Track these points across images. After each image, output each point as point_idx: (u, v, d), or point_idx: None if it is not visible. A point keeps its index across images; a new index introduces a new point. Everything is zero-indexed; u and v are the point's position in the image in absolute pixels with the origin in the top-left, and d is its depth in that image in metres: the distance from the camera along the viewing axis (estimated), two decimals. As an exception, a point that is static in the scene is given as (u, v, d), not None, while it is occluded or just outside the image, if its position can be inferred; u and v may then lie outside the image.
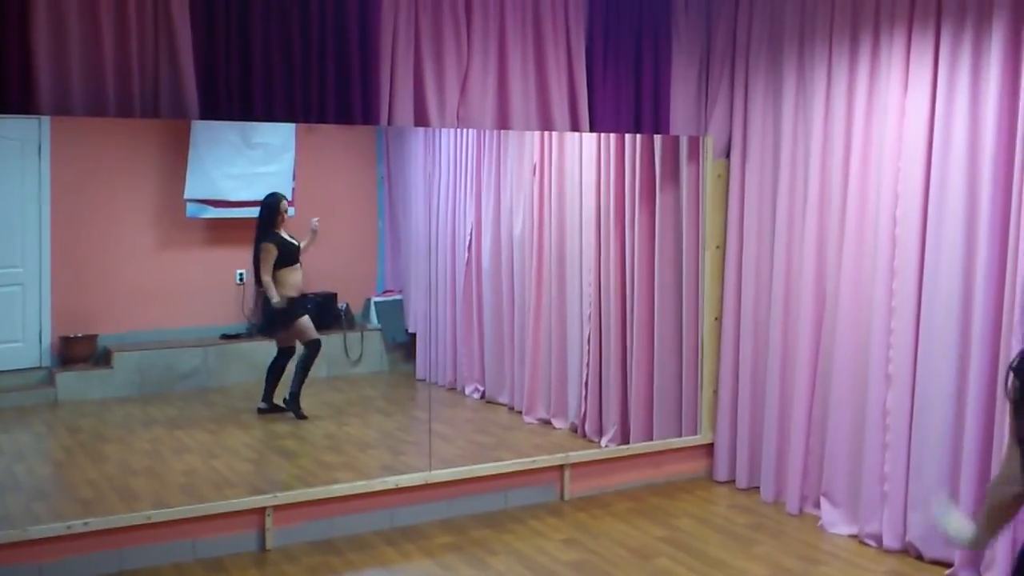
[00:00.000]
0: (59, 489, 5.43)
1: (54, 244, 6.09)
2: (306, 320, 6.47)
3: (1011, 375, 2.31)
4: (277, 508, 4.77)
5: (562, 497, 5.46)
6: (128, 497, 5.10)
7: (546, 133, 6.22)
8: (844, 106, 4.98)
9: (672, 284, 5.91)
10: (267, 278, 6.29)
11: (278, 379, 6.39)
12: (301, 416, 6.32)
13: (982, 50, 4.35)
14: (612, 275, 6.07)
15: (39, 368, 6.15)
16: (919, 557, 4.62)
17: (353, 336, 7.04)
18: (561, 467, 5.49)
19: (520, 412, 6.66)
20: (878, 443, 4.79)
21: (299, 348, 6.40)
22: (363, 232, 7.33)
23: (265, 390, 6.36)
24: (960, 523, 2.56)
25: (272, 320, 6.44)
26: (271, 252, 6.28)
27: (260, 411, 6.32)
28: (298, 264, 6.40)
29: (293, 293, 6.41)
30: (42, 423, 6.22)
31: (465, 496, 5.23)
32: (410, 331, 7.30)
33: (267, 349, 6.65)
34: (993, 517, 2.43)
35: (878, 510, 4.79)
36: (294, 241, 6.40)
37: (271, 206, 6.33)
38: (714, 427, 5.81)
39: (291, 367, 6.40)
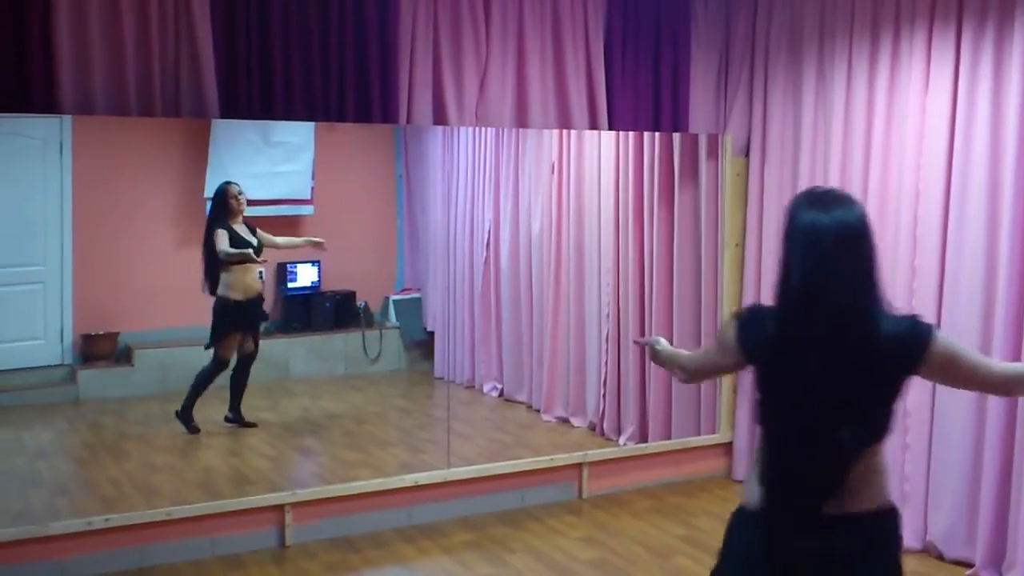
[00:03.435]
0: (81, 486, 5.47)
1: (76, 242, 6.13)
2: (240, 335, 6.01)
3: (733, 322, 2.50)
4: (296, 505, 4.79)
5: (580, 495, 5.46)
6: (148, 494, 5.13)
7: (565, 131, 6.22)
8: (864, 104, 4.95)
9: (691, 282, 5.90)
10: (227, 251, 5.81)
11: (243, 388, 6.04)
12: (193, 430, 5.89)
13: (1004, 48, 4.32)
14: (631, 273, 6.06)
15: (61, 366, 6.19)
16: (940, 557, 4.59)
17: (372, 334, 7.06)
18: (579, 465, 5.49)
19: (538, 410, 6.66)
20: (898, 443, 4.76)
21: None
22: (382, 230, 7.35)
23: (231, 400, 6.03)
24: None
25: (214, 324, 5.95)
26: (223, 236, 5.84)
27: (227, 420, 6.02)
28: (253, 265, 5.98)
29: (239, 296, 5.95)
30: (64, 420, 6.26)
31: (483, 494, 5.23)
32: (428, 329, 7.31)
33: (287, 347, 6.69)
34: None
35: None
36: (250, 239, 5.96)
37: (218, 194, 5.98)
38: (733, 426, 5.80)
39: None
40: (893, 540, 2.43)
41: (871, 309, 2.27)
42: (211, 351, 5.92)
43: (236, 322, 5.98)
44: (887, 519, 2.42)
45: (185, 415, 5.87)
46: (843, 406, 2.27)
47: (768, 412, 2.40)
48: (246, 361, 6.04)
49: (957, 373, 2.34)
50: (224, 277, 5.89)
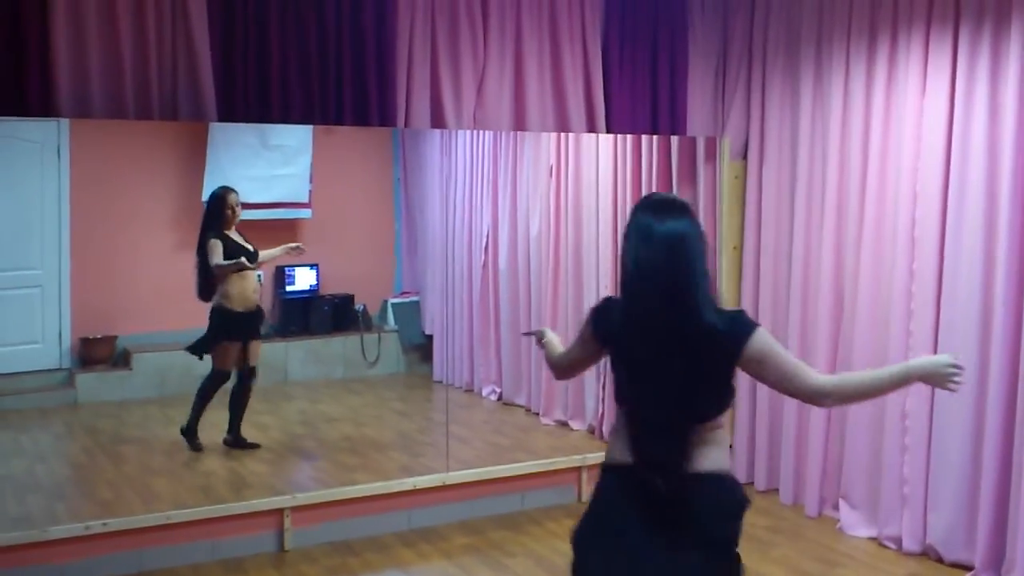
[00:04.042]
0: (79, 490, 5.46)
1: (73, 246, 6.11)
2: (238, 346, 5.79)
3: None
4: (295, 509, 4.78)
5: (580, 498, 5.46)
6: (147, 498, 5.12)
7: (562, 134, 6.22)
8: (862, 107, 4.96)
9: (689, 285, 5.89)
10: (219, 263, 5.62)
11: (242, 408, 5.82)
12: (196, 447, 5.71)
13: (1000, 51, 4.33)
14: (629, 276, 6.05)
15: (59, 369, 6.18)
16: (939, 560, 4.59)
17: (370, 338, 7.05)
18: (578, 468, 5.48)
19: (537, 414, 6.66)
20: (897, 445, 4.77)
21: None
22: (380, 234, 7.34)
23: (230, 422, 5.81)
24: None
25: (208, 333, 5.75)
26: (217, 247, 5.64)
27: (226, 443, 5.80)
28: (250, 274, 5.79)
29: (237, 307, 5.74)
30: (62, 424, 6.25)
31: (482, 497, 5.23)
32: (427, 333, 7.30)
33: (285, 350, 6.67)
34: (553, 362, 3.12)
35: (898, 512, 4.77)
36: (247, 245, 5.79)
37: (215, 200, 5.77)
38: (732, 429, 5.79)
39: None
40: (729, 497, 2.67)
41: (692, 302, 2.55)
42: (207, 359, 5.75)
43: (231, 334, 5.76)
44: (724, 481, 2.66)
45: (190, 433, 5.71)
46: (676, 385, 2.58)
47: (621, 390, 2.72)
48: (246, 379, 5.81)
49: (765, 373, 2.60)
50: (220, 287, 5.69)
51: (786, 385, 2.60)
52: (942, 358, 2.61)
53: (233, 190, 5.80)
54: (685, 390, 2.58)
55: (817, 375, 2.63)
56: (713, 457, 2.62)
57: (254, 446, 5.81)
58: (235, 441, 5.78)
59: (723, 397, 2.65)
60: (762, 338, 2.57)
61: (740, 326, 2.59)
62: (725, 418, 2.68)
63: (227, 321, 5.74)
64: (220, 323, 5.75)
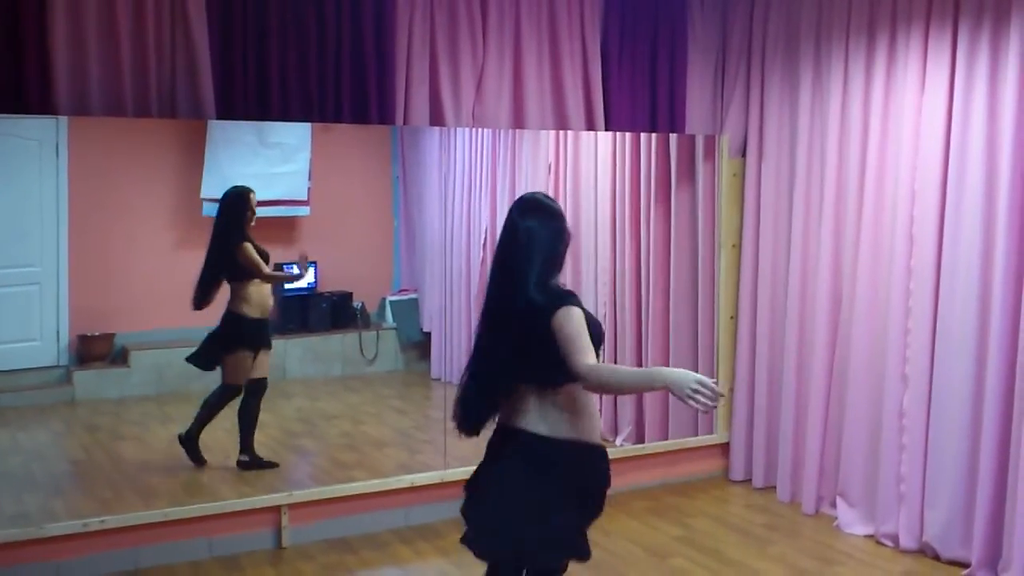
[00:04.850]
0: (77, 487, 5.46)
1: (71, 243, 6.11)
2: (251, 357, 5.51)
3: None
4: (293, 506, 4.79)
5: (577, 496, 5.45)
6: (145, 495, 5.12)
7: (561, 132, 6.21)
8: (861, 105, 4.96)
9: (688, 283, 5.90)
10: (271, 273, 5.41)
11: (253, 422, 5.50)
12: (199, 460, 5.41)
13: (999, 48, 4.33)
14: (627, 274, 6.06)
15: (57, 367, 6.17)
16: (936, 557, 4.60)
17: (368, 335, 7.04)
18: (576, 466, 5.47)
19: (535, 411, 6.64)
20: (895, 443, 4.77)
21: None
22: (378, 231, 7.34)
23: (242, 439, 5.47)
24: None
25: (226, 343, 5.47)
26: (251, 252, 5.38)
27: (241, 465, 5.43)
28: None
29: (256, 314, 5.47)
30: (60, 421, 6.24)
31: (480, 495, 5.21)
32: (425, 330, 7.30)
33: (283, 348, 6.66)
34: None
35: (894, 510, 4.77)
36: (264, 249, 5.54)
37: (237, 198, 5.51)
38: (730, 426, 5.80)
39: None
40: (528, 456, 3.01)
41: (520, 285, 2.89)
42: (211, 371, 5.52)
43: (248, 342, 5.48)
44: (533, 441, 2.98)
45: (191, 443, 5.40)
46: (504, 354, 2.95)
47: (472, 353, 3.08)
48: (256, 389, 5.50)
49: (558, 345, 2.79)
50: (241, 292, 5.41)
51: (565, 358, 2.78)
52: (689, 375, 2.58)
53: (251, 189, 5.58)
54: (512, 359, 2.93)
55: (588, 358, 2.77)
56: (542, 418, 2.95)
57: (272, 465, 5.52)
58: (250, 460, 5.43)
59: (559, 367, 2.81)
60: (564, 313, 2.81)
61: (555, 301, 2.85)
62: (571, 388, 2.90)
63: (242, 329, 5.47)
64: (235, 331, 5.46)
